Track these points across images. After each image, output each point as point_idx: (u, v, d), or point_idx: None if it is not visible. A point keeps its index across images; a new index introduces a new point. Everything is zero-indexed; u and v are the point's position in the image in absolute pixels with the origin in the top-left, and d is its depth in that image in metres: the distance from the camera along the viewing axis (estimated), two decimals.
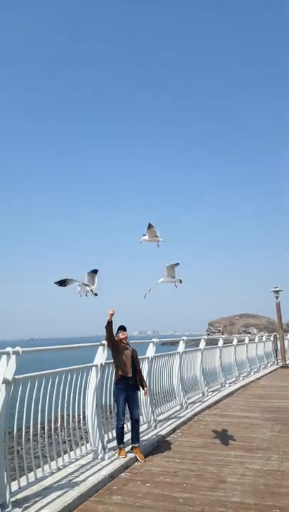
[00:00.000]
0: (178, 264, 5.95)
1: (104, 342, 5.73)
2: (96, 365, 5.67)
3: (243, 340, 15.73)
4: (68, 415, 5.27)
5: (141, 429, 6.31)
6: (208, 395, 10.34)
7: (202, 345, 10.63)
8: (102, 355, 5.75)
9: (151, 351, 7.29)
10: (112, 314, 5.60)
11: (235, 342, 13.96)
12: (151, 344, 7.31)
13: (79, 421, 5.47)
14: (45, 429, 4.91)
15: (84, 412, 5.59)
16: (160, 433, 6.69)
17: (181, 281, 6.13)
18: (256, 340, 18.22)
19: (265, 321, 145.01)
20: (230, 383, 12.49)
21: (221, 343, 12.32)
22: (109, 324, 5.59)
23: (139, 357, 6.15)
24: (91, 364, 5.65)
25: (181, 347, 9.01)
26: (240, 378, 13.82)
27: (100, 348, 5.80)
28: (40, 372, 4.67)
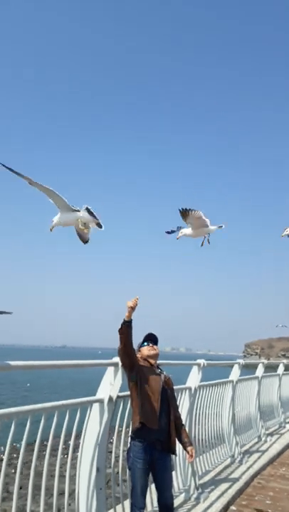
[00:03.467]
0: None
1: (118, 360, 3.27)
2: (100, 401, 3.21)
3: None
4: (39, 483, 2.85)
5: (175, 501, 3.76)
6: (266, 441, 7.56)
7: (260, 372, 7.91)
8: (112, 384, 3.29)
9: (195, 378, 4.73)
10: (133, 308, 3.11)
11: None
12: (195, 368, 4.74)
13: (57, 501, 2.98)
14: None
15: (75, 482, 3.13)
16: None
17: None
18: None
19: None
20: None
21: (281, 369, 9.50)
22: (127, 326, 3.10)
23: (175, 387, 3.66)
24: (92, 398, 3.19)
25: (235, 373, 6.38)
26: None
27: (110, 371, 3.33)
28: None
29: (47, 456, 2.77)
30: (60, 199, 3.31)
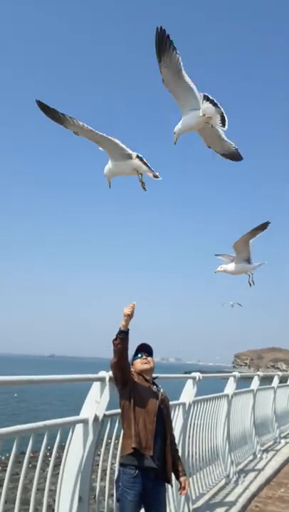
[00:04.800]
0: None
1: (106, 375, 2.88)
2: (84, 421, 2.81)
3: None
4: None
5: None
6: (261, 458, 7.17)
7: (255, 385, 7.54)
8: (98, 401, 2.89)
9: (190, 393, 4.34)
10: (131, 316, 2.72)
11: None
12: (190, 382, 4.37)
13: None
14: None
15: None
16: None
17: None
18: None
19: None
20: (285, 437, 9.20)
21: (276, 382, 9.14)
22: (123, 337, 2.71)
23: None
24: (75, 418, 2.80)
25: (230, 387, 6.01)
26: None
27: (96, 387, 2.94)
28: None
29: (19, 490, 2.35)
30: (114, 144, 2.91)
